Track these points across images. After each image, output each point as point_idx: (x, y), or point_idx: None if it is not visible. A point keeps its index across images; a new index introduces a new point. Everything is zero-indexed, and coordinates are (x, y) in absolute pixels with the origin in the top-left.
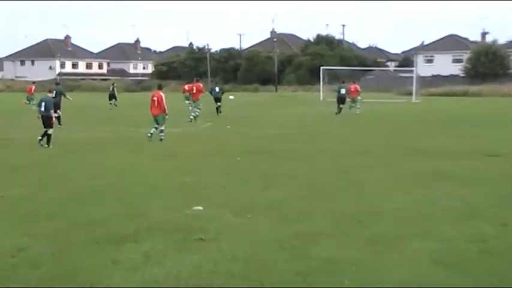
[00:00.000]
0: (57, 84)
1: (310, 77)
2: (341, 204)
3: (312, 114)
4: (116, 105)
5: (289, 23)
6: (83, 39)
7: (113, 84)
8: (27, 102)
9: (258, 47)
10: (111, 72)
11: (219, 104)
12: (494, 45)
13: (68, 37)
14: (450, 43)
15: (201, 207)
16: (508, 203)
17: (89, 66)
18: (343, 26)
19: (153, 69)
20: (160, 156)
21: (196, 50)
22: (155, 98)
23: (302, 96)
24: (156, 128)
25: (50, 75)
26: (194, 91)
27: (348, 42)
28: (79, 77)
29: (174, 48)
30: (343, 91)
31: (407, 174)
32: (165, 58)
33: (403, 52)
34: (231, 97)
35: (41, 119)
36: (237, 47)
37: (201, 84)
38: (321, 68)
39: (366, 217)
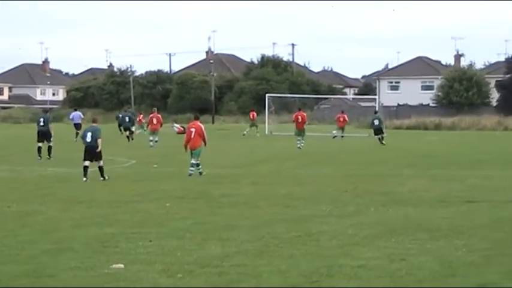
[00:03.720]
0: (45, 112)
1: (255, 105)
2: (292, 262)
3: (257, 151)
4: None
5: (229, 41)
6: None
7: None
8: (144, 130)
9: (192, 70)
10: (13, 98)
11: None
12: (470, 70)
13: None
14: (419, 67)
15: (122, 265)
16: (490, 260)
17: None
18: (293, 45)
19: (65, 95)
20: (72, 202)
21: (118, 73)
22: (193, 129)
23: (245, 129)
24: (194, 163)
25: None
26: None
27: (298, 64)
28: None
29: (91, 71)
30: (376, 122)
31: (371, 224)
32: (80, 82)
33: (364, 77)
34: None
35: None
36: (166, 69)
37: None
38: (267, 95)
39: (321, 277)
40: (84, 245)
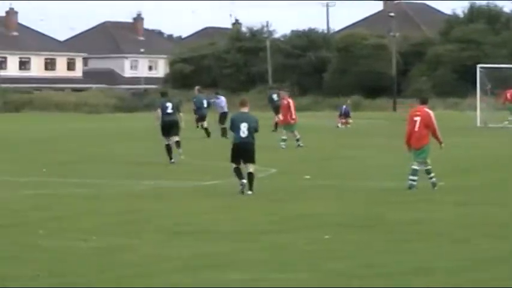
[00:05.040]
0: (165, 94)
1: (458, 81)
2: None
3: (467, 152)
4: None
5: None
6: (33, 16)
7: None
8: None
9: (361, 28)
10: (89, 75)
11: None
12: None
13: (12, 12)
14: None
15: None
16: None
17: (49, 65)
18: None
19: (168, 70)
20: (176, 232)
21: (248, 34)
22: (417, 118)
23: (446, 118)
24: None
25: None
26: None
27: None
28: (31, 85)
29: (206, 32)
30: None
31: None
32: (190, 49)
33: None
34: None
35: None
36: (322, 28)
37: None
38: (478, 66)
39: None
40: None
